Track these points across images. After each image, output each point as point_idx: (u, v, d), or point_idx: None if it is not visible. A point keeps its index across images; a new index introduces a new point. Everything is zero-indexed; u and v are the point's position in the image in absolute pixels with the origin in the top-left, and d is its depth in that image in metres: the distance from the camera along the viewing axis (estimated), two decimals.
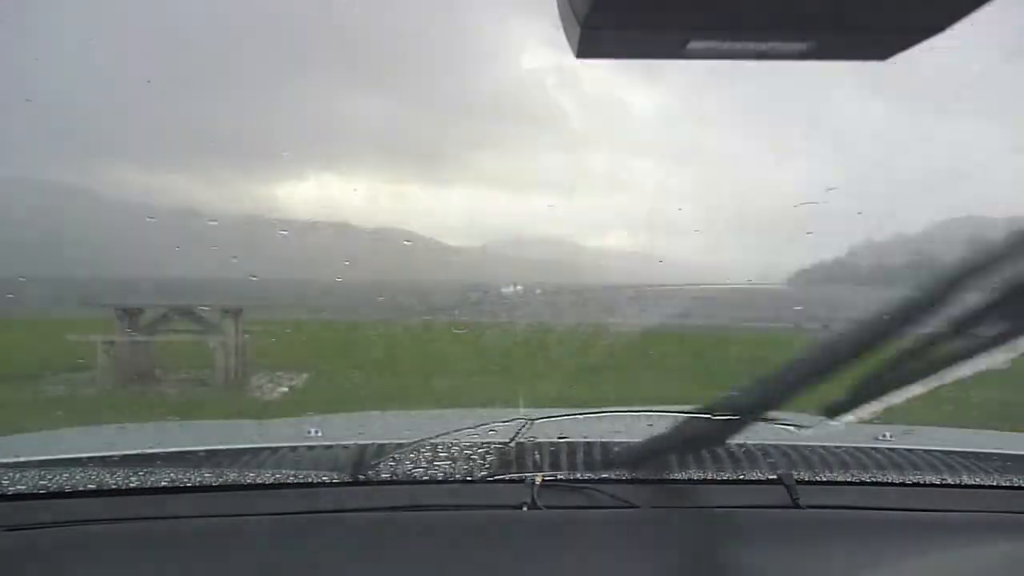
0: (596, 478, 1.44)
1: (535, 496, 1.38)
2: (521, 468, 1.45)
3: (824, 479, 1.49)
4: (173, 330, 6.59)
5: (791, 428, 1.50)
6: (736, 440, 1.57)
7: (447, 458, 1.46)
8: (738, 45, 0.54)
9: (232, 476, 1.40)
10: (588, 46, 0.55)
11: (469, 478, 1.44)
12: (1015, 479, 1.51)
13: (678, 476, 1.47)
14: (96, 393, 5.48)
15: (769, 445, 1.57)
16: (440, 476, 1.44)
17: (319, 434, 1.64)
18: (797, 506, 1.40)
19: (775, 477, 1.46)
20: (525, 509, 1.37)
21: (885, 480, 1.50)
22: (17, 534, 1.25)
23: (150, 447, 1.48)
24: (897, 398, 1.11)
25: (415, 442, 1.49)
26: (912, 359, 1.05)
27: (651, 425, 1.49)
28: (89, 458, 1.41)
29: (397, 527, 1.32)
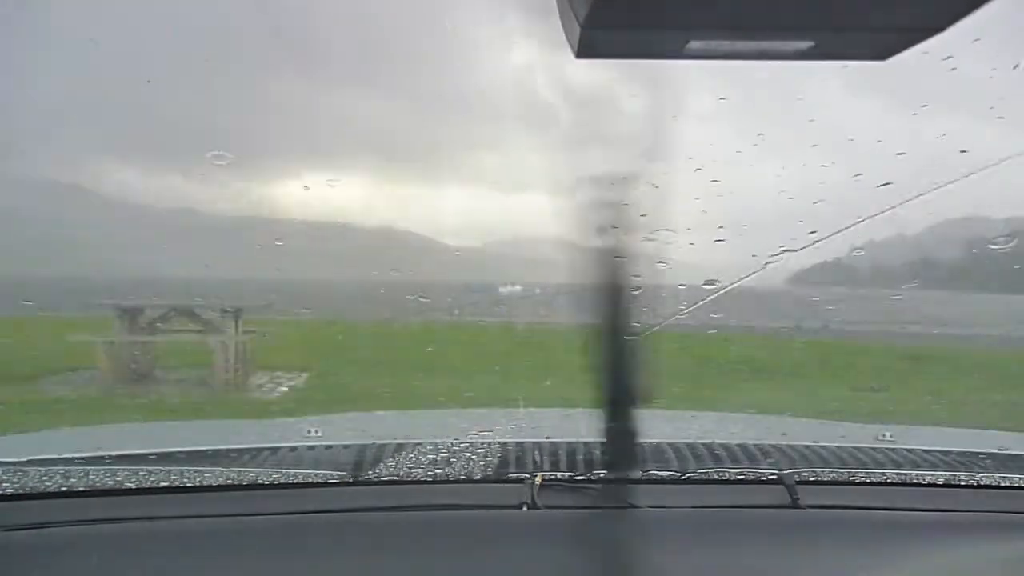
0: (596, 478, 1.44)
1: (535, 496, 1.38)
2: (521, 468, 1.45)
3: (824, 479, 1.49)
4: (173, 330, 6.58)
5: (791, 428, 1.50)
6: (736, 440, 1.57)
7: (447, 458, 1.46)
8: (738, 45, 0.54)
9: (232, 476, 1.40)
10: (588, 46, 0.55)
11: (469, 478, 1.44)
12: (1015, 479, 1.51)
13: (678, 476, 1.47)
14: (96, 393, 5.47)
15: (769, 445, 1.57)
16: (440, 476, 1.44)
17: (319, 434, 1.64)
18: (797, 506, 1.40)
19: (775, 477, 1.45)
20: (525, 509, 1.36)
21: (885, 480, 1.50)
22: (17, 534, 1.25)
23: (149, 447, 1.48)
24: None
25: (415, 442, 1.49)
26: None
27: (650, 425, 1.49)
28: (88, 458, 1.41)
29: (397, 527, 1.32)
